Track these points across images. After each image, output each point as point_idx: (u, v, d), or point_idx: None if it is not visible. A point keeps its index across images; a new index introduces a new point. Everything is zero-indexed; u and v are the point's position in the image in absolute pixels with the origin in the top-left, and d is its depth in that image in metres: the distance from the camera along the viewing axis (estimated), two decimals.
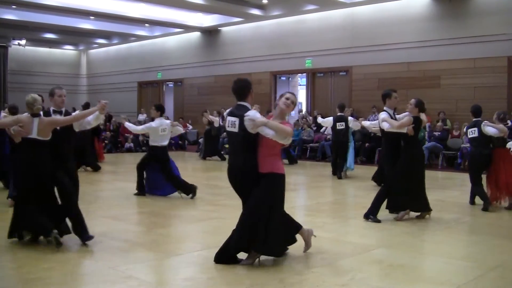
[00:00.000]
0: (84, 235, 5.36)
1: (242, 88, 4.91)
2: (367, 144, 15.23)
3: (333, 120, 12.02)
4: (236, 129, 4.79)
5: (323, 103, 18.38)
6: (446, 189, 9.18)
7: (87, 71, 29.07)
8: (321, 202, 8.69)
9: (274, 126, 4.73)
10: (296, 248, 5.41)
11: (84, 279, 4.38)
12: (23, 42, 25.20)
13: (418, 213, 7.03)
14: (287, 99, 4.92)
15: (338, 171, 11.89)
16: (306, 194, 10.47)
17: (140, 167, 8.84)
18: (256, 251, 4.76)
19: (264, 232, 4.65)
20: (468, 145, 13.03)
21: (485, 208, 7.68)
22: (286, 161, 14.95)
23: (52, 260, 4.86)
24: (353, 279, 4.41)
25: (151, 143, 8.86)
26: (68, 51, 28.84)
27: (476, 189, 7.96)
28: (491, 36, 14.15)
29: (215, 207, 7.80)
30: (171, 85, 24.67)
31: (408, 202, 6.83)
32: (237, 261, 4.76)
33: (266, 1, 17.81)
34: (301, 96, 21.37)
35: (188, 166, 14.74)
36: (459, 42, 14.79)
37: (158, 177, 8.76)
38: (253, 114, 4.77)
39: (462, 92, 14.56)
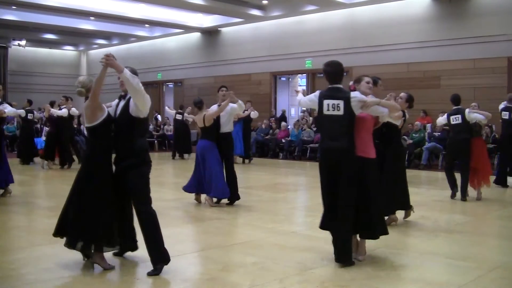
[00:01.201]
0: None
1: (338, 71, 4.89)
2: None
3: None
4: (340, 112, 4.70)
5: None
6: (446, 190, 9.17)
7: (87, 72, 29.05)
8: (321, 203, 8.67)
9: (387, 103, 4.90)
10: (295, 248, 5.41)
11: (84, 280, 4.37)
12: (23, 42, 25.21)
13: (406, 215, 6.81)
14: (368, 82, 5.03)
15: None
16: (306, 194, 10.46)
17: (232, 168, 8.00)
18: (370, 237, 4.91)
19: (377, 216, 4.88)
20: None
21: (452, 196, 8.57)
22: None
23: (51, 261, 4.86)
24: (354, 280, 4.40)
25: (223, 129, 7.95)
26: (68, 51, 28.86)
27: (447, 173, 8.70)
28: (491, 36, 14.16)
29: (215, 207, 7.79)
30: (171, 85, 24.67)
31: (401, 202, 6.59)
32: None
33: (266, 1, 17.82)
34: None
35: (188, 166, 14.72)
36: (459, 42, 14.80)
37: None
38: (360, 95, 4.79)
39: (462, 93, 14.37)
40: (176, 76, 23.51)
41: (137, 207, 4.49)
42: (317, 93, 4.95)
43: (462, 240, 6.06)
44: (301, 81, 21.34)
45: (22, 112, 13.36)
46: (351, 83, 5.19)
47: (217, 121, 7.84)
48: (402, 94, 6.71)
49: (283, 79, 20.54)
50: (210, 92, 21.72)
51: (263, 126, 18.48)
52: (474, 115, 8.54)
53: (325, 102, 4.78)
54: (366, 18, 16.83)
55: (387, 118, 5.01)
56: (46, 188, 10.69)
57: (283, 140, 17.45)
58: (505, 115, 10.34)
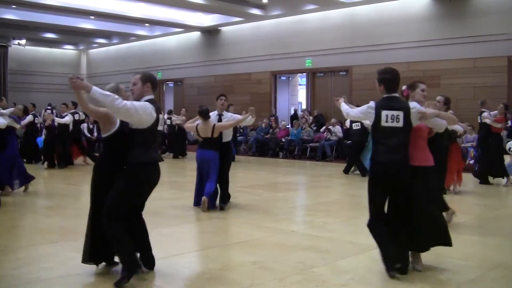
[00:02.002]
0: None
1: (396, 78, 4.53)
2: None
3: (350, 122, 12.46)
4: (400, 123, 4.41)
5: (323, 103, 18.38)
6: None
7: (87, 71, 29.07)
8: (321, 202, 8.69)
9: (446, 116, 4.75)
10: (295, 247, 5.41)
11: (84, 279, 4.37)
12: (23, 41, 25.20)
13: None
14: (423, 90, 4.75)
15: (362, 170, 12.02)
16: (306, 194, 10.47)
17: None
18: (440, 244, 4.68)
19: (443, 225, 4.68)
20: (468, 144, 13.33)
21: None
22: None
23: (52, 260, 4.86)
24: (353, 279, 4.41)
25: (226, 139, 7.88)
26: (68, 50, 28.85)
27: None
28: (491, 36, 14.15)
29: (215, 207, 7.78)
30: (171, 84, 24.68)
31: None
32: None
33: (266, 0, 17.81)
34: (301, 96, 21.40)
35: (185, 165, 14.74)
36: (459, 42, 14.80)
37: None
38: (418, 105, 4.55)
39: (462, 92, 14.55)
40: (176, 75, 23.51)
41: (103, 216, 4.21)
42: (372, 104, 4.57)
43: (462, 239, 6.06)
44: (301, 80, 21.37)
45: (30, 117, 13.28)
46: (404, 87, 4.79)
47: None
48: (439, 98, 6.55)
49: (283, 78, 20.53)
50: (210, 92, 21.76)
51: (263, 125, 18.49)
52: (455, 126, 9.21)
53: (384, 113, 4.45)
54: (366, 18, 16.82)
55: (442, 129, 4.79)
56: (46, 188, 10.69)
57: (283, 139, 17.45)
58: (479, 118, 10.89)
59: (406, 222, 4.50)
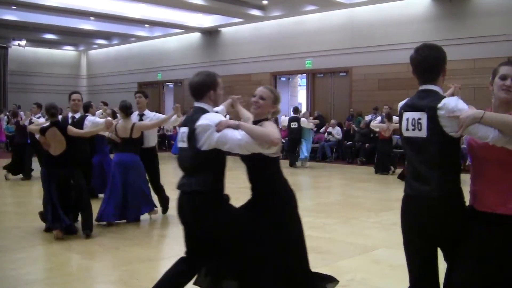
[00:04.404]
0: None
1: (430, 61, 2.92)
2: (367, 145, 15.23)
3: (288, 120, 14.52)
4: (422, 133, 2.71)
5: (323, 103, 18.39)
6: None
7: (87, 72, 29.08)
8: (321, 203, 8.69)
9: (497, 118, 2.52)
10: None
11: (84, 280, 4.37)
12: (23, 42, 25.21)
13: None
14: (504, 78, 2.71)
15: (294, 162, 14.28)
16: (306, 194, 10.45)
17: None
18: None
19: None
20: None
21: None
22: None
23: (52, 261, 4.86)
24: (353, 280, 4.40)
25: (149, 144, 7.40)
26: (68, 51, 28.86)
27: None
28: (492, 36, 14.16)
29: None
30: (171, 85, 24.68)
31: None
32: None
33: (266, 1, 17.82)
34: (301, 96, 21.41)
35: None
36: (459, 42, 14.80)
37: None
38: (454, 102, 2.67)
39: (462, 93, 14.30)
40: (176, 76, 23.51)
41: None
42: (401, 103, 2.99)
43: None
44: (301, 81, 21.38)
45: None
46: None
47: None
48: None
49: (283, 79, 20.54)
50: None
51: None
52: None
53: (405, 115, 2.83)
54: (366, 18, 16.83)
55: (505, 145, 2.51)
56: None
57: (283, 140, 17.45)
58: None
59: None
